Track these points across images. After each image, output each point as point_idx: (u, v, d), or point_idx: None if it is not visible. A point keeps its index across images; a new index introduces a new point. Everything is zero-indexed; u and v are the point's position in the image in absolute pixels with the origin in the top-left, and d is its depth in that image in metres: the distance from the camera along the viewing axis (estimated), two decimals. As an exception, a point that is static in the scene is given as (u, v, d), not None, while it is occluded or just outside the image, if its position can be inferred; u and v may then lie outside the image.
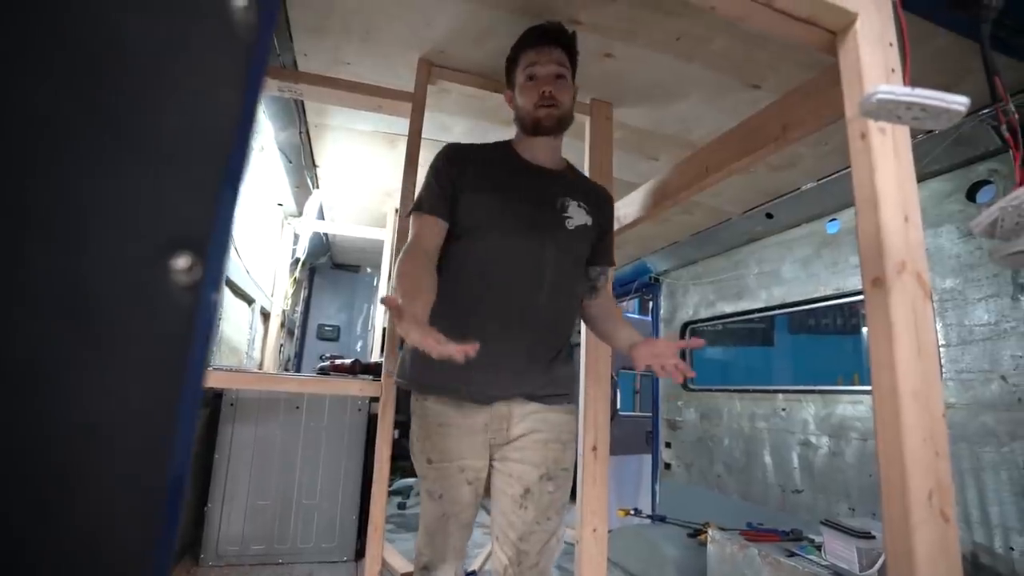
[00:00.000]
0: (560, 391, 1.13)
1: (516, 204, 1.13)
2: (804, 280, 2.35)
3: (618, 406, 4.15)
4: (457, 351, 0.81)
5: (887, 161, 0.76)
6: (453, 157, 1.17)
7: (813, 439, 2.21)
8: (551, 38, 1.16)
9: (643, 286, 3.55)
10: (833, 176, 2.08)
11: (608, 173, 1.74)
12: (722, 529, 2.01)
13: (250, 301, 2.25)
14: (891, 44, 0.81)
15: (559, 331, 1.15)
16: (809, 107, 0.99)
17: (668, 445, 3.13)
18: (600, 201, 1.27)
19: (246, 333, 2.24)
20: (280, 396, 1.56)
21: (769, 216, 2.44)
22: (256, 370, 1.94)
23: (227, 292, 1.82)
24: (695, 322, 3.05)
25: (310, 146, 2.25)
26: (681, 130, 1.95)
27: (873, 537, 1.55)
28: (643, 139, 2.04)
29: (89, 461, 0.24)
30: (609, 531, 1.56)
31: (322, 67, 1.66)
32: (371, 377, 1.72)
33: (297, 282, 3.85)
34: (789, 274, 2.43)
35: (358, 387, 1.48)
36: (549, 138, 1.19)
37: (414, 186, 1.59)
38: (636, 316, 5.13)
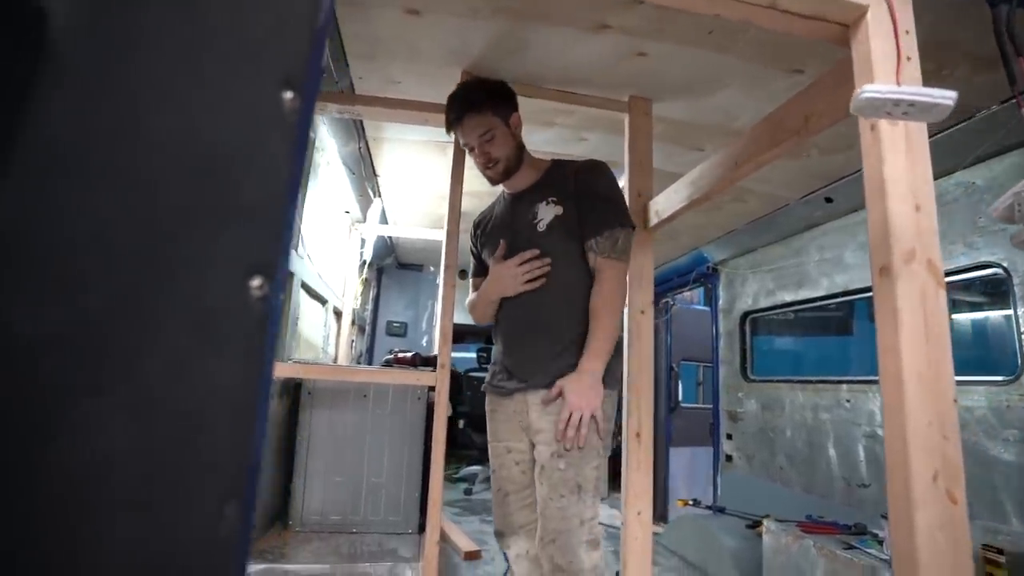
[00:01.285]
0: (559, 377, 1.24)
1: (501, 237, 1.40)
2: (867, 266, 2.23)
3: (679, 397, 4.11)
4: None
5: (897, 152, 0.77)
6: (474, 229, 1.56)
7: (880, 431, 2.11)
8: (459, 114, 1.34)
9: (701, 276, 3.49)
10: (896, 155, 1.97)
11: (648, 167, 1.77)
12: (779, 521, 1.99)
13: (323, 301, 2.50)
14: (907, 32, 0.81)
15: (557, 328, 1.29)
16: (829, 99, 0.99)
17: (729, 436, 3.07)
18: (568, 180, 1.35)
19: (321, 331, 2.49)
20: (350, 386, 1.75)
21: (829, 200, 2.34)
22: (329, 363, 2.17)
23: (303, 294, 2.04)
24: (754, 312, 2.97)
25: (370, 158, 2.45)
26: (724, 119, 1.93)
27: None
28: (686, 131, 2.04)
29: (210, 420, 0.37)
30: (667, 522, 1.61)
31: (376, 87, 1.83)
32: (429, 369, 1.87)
33: (366, 282, 4.16)
34: (852, 260, 2.32)
35: (415, 377, 1.64)
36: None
37: (460, 194, 1.73)
38: (700, 307, 5.01)
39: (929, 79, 0.76)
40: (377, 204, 2.76)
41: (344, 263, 3.01)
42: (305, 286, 2.06)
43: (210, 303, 0.38)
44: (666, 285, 3.90)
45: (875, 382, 2.15)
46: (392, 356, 2.17)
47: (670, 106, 1.88)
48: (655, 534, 2.91)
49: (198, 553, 0.35)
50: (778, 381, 2.72)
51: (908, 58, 0.81)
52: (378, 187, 2.83)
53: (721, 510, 2.61)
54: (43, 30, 0.28)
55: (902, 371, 0.70)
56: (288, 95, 0.42)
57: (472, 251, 1.57)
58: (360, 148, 2.20)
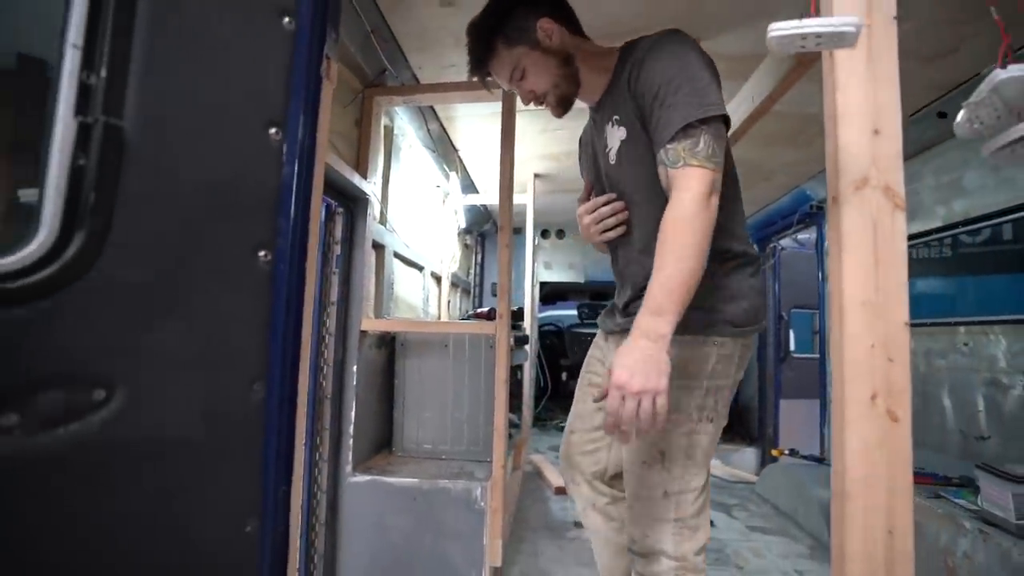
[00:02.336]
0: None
1: (587, 167, 1.21)
2: (994, 188, 1.89)
3: (791, 347, 3.83)
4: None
5: (855, 75, 0.74)
6: (579, 143, 1.29)
7: (1004, 378, 1.84)
8: (477, 70, 1.11)
9: (805, 216, 3.17)
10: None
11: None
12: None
13: (420, 268, 2.85)
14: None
15: (630, 273, 1.09)
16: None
17: (837, 387, 2.84)
18: (631, 78, 0.99)
19: (420, 293, 2.85)
20: (433, 337, 2.05)
21: (942, 115, 2.00)
22: (411, 318, 2.50)
23: (397, 263, 2.38)
24: (864, 251, 2.65)
25: (447, 135, 2.68)
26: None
27: (1036, 482, 1.33)
28: (746, 65, 1.90)
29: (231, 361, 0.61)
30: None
31: (435, 73, 2.02)
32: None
33: (468, 247, 4.51)
34: (973, 183, 1.97)
35: (478, 327, 1.87)
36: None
37: (510, 161, 1.87)
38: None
39: None
40: (454, 178, 3.01)
41: (441, 232, 3.34)
42: (398, 255, 2.39)
43: (232, 266, 0.61)
44: (770, 229, 3.60)
45: (999, 322, 1.86)
46: (472, 312, 2.43)
47: (722, 41, 1.78)
48: (751, 483, 2.88)
49: (237, 412, 0.59)
50: (889, 326, 2.45)
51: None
52: (460, 160, 3.07)
53: (819, 460, 2.49)
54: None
55: (842, 297, 0.72)
56: (272, 131, 0.64)
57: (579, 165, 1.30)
58: (432, 130, 2.43)
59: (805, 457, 2.60)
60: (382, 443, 2.04)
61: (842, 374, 0.71)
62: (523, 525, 2.18)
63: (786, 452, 2.66)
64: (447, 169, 2.90)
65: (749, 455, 3.64)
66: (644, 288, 0.89)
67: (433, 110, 2.37)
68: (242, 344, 0.62)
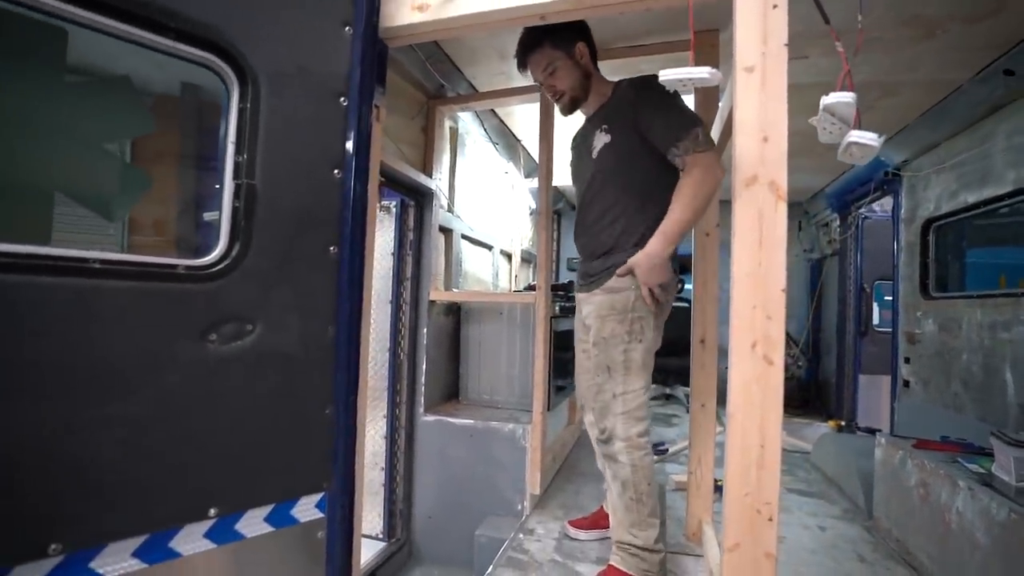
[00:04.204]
0: (593, 280, 1.51)
1: (574, 159, 1.63)
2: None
3: (874, 321, 3.66)
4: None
5: (751, 94, 0.95)
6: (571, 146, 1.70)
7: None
8: (521, 58, 1.51)
9: (883, 183, 3.03)
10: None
11: (713, 99, 1.86)
12: (898, 437, 1.94)
13: (489, 247, 3.25)
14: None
15: (600, 238, 1.50)
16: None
17: (907, 360, 2.77)
18: (616, 103, 1.47)
19: (489, 269, 3.26)
20: (490, 306, 2.44)
21: (1009, 72, 1.91)
22: (472, 290, 2.90)
23: (464, 243, 2.79)
24: (936, 219, 2.54)
25: (508, 129, 3.01)
26: (811, 24, 1.82)
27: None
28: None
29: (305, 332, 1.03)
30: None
31: (487, 80, 2.35)
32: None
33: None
34: (1042, 143, 1.86)
35: (524, 297, 2.22)
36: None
37: (548, 149, 2.16)
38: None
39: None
40: (511, 166, 3.33)
41: (510, 214, 3.70)
42: (465, 237, 2.80)
43: (313, 256, 1.02)
44: (849, 196, 3.45)
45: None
46: (527, 285, 2.77)
47: (746, 27, 1.88)
48: (807, 452, 2.93)
49: (319, 341, 1.01)
50: (955, 297, 2.35)
51: (774, 6, 0.96)
52: (523, 148, 3.38)
53: (872, 431, 2.51)
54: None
55: (733, 269, 0.95)
56: (336, 172, 1.03)
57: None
58: (494, 125, 2.77)
59: (861, 429, 2.61)
60: (451, 393, 2.50)
61: (733, 328, 0.95)
62: (572, 470, 2.52)
63: (841, 424, 2.67)
64: (511, 158, 3.23)
65: (823, 430, 3.61)
66: (601, 242, 1.48)
67: (492, 110, 2.71)
68: (321, 303, 1.03)
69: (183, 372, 0.82)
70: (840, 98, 0.81)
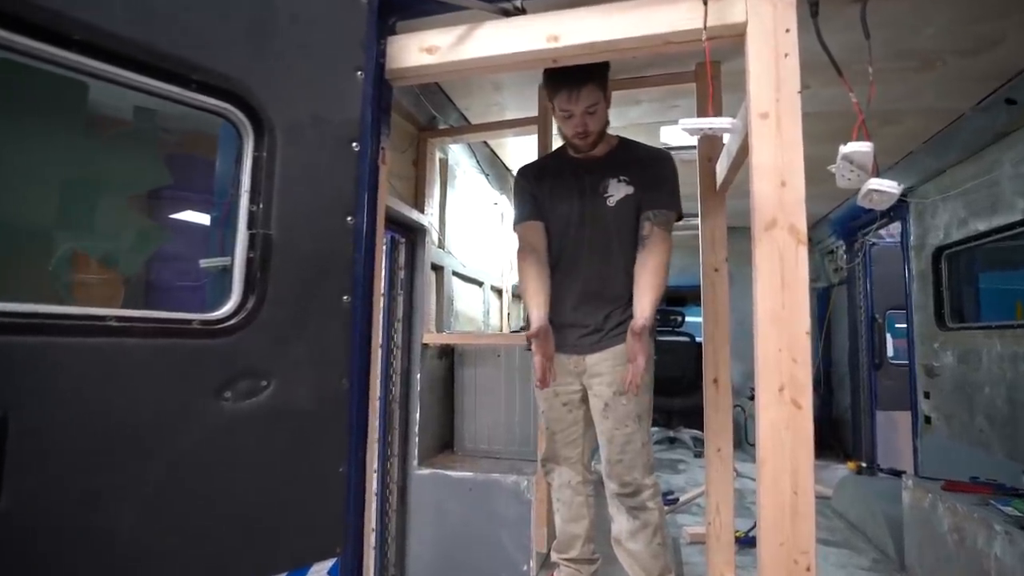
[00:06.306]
0: (617, 335, 1.63)
1: (568, 202, 1.70)
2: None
3: (888, 353, 3.81)
4: (542, 383, 1.62)
5: (767, 139, 1.06)
6: (528, 174, 1.81)
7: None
8: (581, 81, 1.50)
9: (889, 209, 3.22)
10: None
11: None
12: (925, 479, 2.03)
13: (480, 284, 3.32)
14: (787, 30, 1.08)
15: (609, 293, 1.66)
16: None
17: (927, 395, 2.89)
18: (645, 163, 1.67)
19: (480, 307, 3.33)
20: (486, 348, 2.50)
21: (1011, 102, 2.10)
22: (466, 331, 2.96)
23: (455, 280, 2.86)
24: (947, 247, 2.71)
25: (499, 159, 3.14)
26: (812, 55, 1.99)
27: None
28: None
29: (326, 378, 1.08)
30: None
31: (481, 111, 2.48)
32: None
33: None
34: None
35: (512, 339, 2.29)
36: None
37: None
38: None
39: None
40: (502, 197, 3.46)
41: (500, 248, 3.80)
42: (456, 273, 2.87)
43: (328, 306, 1.08)
44: (855, 223, 3.65)
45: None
46: (522, 325, 2.84)
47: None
48: (827, 498, 3.00)
49: (333, 395, 1.06)
50: (974, 328, 2.50)
51: (785, 55, 1.08)
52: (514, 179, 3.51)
53: (896, 473, 2.59)
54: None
55: (758, 311, 1.04)
56: (349, 219, 1.10)
57: (527, 194, 1.76)
58: (485, 156, 2.90)
59: (883, 471, 2.70)
60: (445, 443, 2.52)
61: (759, 372, 1.03)
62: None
63: (861, 465, 2.76)
64: (502, 188, 3.35)
65: (842, 472, 3.69)
66: (620, 298, 1.65)
67: (484, 141, 2.84)
68: (335, 354, 1.08)
69: (197, 433, 0.86)
70: (858, 148, 0.92)
